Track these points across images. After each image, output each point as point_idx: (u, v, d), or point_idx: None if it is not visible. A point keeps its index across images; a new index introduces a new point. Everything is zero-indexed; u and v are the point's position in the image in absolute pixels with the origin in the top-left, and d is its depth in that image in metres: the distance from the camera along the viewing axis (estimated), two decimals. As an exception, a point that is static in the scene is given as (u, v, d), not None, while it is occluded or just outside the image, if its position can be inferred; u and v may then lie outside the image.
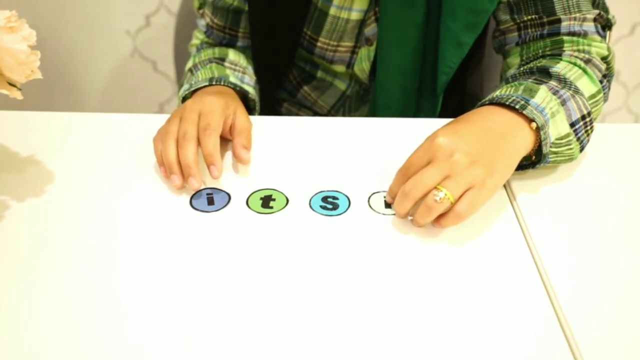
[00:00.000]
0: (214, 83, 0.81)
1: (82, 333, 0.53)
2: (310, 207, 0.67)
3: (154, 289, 0.57)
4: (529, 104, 0.66)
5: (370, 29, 0.87)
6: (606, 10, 0.80)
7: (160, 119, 0.75)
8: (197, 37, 0.96)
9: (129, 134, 0.78)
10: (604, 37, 0.79)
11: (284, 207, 0.67)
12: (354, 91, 0.97)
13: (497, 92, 0.70)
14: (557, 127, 0.67)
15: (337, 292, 0.57)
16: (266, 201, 0.68)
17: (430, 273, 0.59)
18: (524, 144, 0.66)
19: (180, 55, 1.17)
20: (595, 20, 0.78)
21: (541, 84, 0.70)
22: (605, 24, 0.79)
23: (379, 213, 0.66)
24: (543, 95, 0.68)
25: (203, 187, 0.69)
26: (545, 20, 0.78)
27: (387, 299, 0.57)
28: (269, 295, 0.57)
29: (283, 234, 0.63)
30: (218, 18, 0.91)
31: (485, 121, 0.65)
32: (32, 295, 0.56)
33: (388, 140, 0.78)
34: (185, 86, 0.83)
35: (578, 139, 0.69)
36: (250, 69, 0.92)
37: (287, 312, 0.55)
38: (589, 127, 0.71)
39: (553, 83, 0.70)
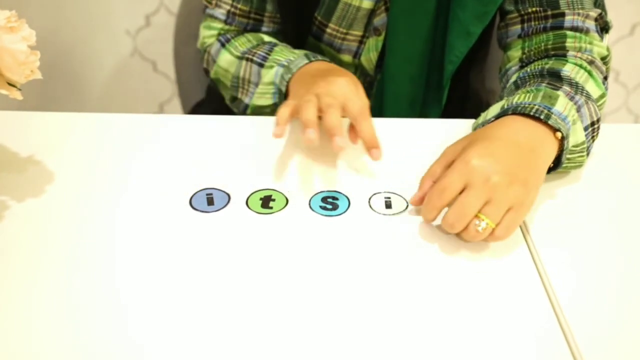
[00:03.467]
0: (312, 59, 0.80)
1: (82, 333, 0.53)
2: (310, 207, 0.67)
3: (153, 288, 0.57)
4: (552, 113, 0.65)
5: (380, 19, 0.88)
6: (606, 12, 0.80)
7: (160, 119, 0.75)
8: (213, 28, 0.92)
9: (129, 134, 0.78)
10: (602, 38, 0.79)
11: (284, 207, 0.67)
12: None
13: (516, 99, 0.69)
14: (576, 135, 0.67)
15: (337, 293, 0.57)
16: (266, 201, 0.68)
17: (430, 274, 0.59)
18: (551, 154, 0.66)
19: (180, 55, 1.16)
20: (596, 20, 0.78)
21: (557, 89, 0.70)
22: (604, 26, 0.80)
23: (379, 213, 0.66)
24: (563, 103, 0.67)
25: (202, 187, 0.69)
26: (549, 13, 0.79)
27: (387, 300, 0.57)
28: (268, 296, 0.57)
29: (283, 235, 0.63)
30: (242, 4, 0.90)
31: (513, 135, 0.64)
32: (32, 295, 0.56)
33: (388, 141, 0.78)
34: (280, 70, 0.82)
35: (589, 145, 0.70)
36: None
37: (287, 312, 0.55)
38: (595, 133, 0.71)
39: (567, 88, 0.70)
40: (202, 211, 0.66)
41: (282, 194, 0.69)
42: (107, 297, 0.56)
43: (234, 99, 0.91)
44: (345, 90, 0.71)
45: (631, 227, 0.66)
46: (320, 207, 0.67)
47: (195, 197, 0.68)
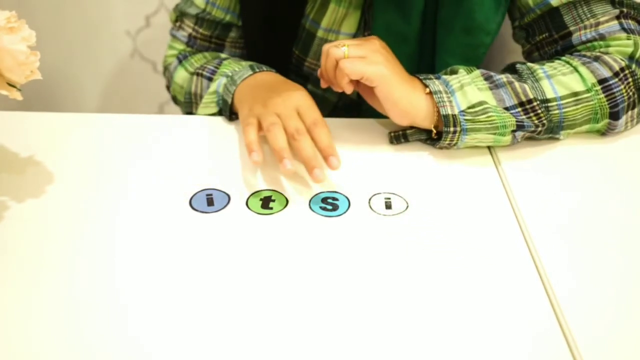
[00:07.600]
0: (257, 70, 0.80)
1: (81, 334, 0.53)
2: (310, 208, 0.67)
3: (153, 289, 0.57)
4: (432, 77, 0.73)
5: None
6: (631, 4, 0.77)
7: (160, 120, 0.75)
8: (175, 48, 0.93)
9: (129, 135, 0.78)
10: (633, 31, 0.76)
11: (284, 208, 0.67)
12: (345, 103, 0.96)
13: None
14: (467, 97, 0.70)
15: (337, 293, 0.57)
16: (266, 202, 0.68)
17: (429, 274, 0.59)
18: (422, 98, 0.71)
19: (180, 55, 1.16)
20: (618, 18, 0.76)
21: (486, 74, 0.73)
22: (636, 17, 0.77)
23: (379, 214, 0.66)
24: (456, 75, 0.73)
25: (202, 187, 0.69)
26: (556, 36, 0.79)
27: (387, 300, 0.57)
28: (268, 297, 0.57)
29: (283, 235, 0.63)
30: (203, 28, 0.90)
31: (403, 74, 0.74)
32: (32, 296, 0.56)
33: (387, 141, 0.78)
34: (223, 80, 0.81)
35: (519, 120, 0.70)
36: None
37: (287, 313, 0.55)
38: (532, 114, 0.71)
39: (497, 74, 0.73)
40: (202, 212, 0.66)
41: (282, 195, 0.69)
42: (107, 298, 0.56)
43: (189, 114, 0.90)
44: (299, 103, 0.72)
45: (631, 227, 0.66)
46: (321, 207, 0.67)
47: (195, 198, 0.68)
